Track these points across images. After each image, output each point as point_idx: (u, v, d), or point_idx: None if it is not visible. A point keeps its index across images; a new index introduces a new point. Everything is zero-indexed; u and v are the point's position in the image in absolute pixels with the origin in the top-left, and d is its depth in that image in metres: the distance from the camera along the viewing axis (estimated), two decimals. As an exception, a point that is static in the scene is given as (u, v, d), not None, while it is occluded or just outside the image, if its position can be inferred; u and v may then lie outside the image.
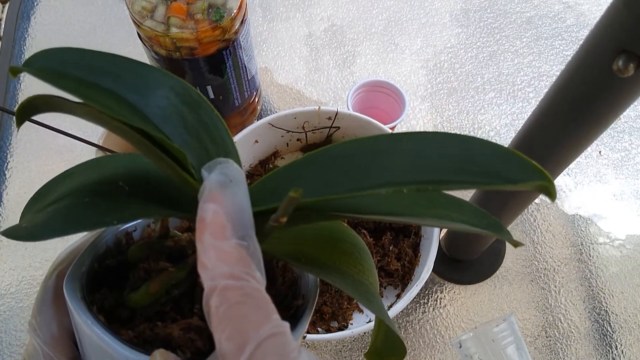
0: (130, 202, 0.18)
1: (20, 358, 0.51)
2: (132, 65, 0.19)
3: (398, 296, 0.51)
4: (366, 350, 0.23)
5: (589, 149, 0.36)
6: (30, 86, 0.66)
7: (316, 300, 0.23)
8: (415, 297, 0.46)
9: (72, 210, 0.17)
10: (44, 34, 0.69)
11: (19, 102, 0.66)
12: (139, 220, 0.23)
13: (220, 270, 0.15)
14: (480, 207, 0.19)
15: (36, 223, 0.17)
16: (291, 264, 0.23)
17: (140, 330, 0.18)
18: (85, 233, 0.22)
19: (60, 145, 0.61)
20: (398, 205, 0.19)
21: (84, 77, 0.17)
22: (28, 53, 0.68)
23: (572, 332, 0.54)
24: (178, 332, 0.19)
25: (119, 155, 0.21)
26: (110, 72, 0.18)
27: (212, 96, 0.52)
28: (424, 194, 0.19)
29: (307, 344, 0.52)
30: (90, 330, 0.18)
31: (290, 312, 0.22)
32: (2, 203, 0.58)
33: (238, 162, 0.20)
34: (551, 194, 0.15)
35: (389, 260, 0.50)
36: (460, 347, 0.49)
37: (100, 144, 0.48)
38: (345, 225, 0.24)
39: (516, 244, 0.19)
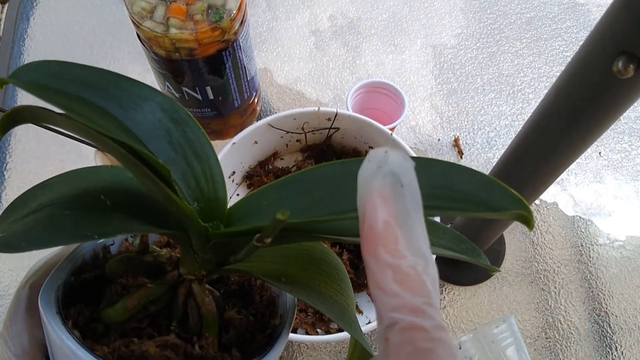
0: (112, 217, 0.18)
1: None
2: (119, 80, 0.19)
3: (398, 297, 0.50)
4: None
5: (588, 150, 0.36)
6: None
7: (293, 320, 0.23)
8: (414, 299, 0.46)
9: (52, 222, 0.17)
10: (43, 34, 0.69)
11: (17, 103, 0.66)
12: None
13: (400, 301, 0.13)
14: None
15: (14, 232, 0.16)
16: (270, 284, 0.23)
17: (115, 347, 0.18)
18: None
19: (59, 146, 0.61)
20: None
21: (70, 91, 0.17)
22: (27, 54, 0.68)
23: (572, 334, 0.53)
24: (154, 349, 0.19)
25: (100, 167, 0.21)
26: (97, 86, 0.18)
27: (211, 97, 0.51)
28: None
29: (307, 345, 0.52)
30: (64, 345, 0.18)
31: (267, 331, 0.22)
32: (0, 204, 0.58)
33: (222, 181, 0.20)
34: (529, 223, 0.15)
35: (389, 261, 0.50)
36: (460, 348, 0.48)
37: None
38: (326, 246, 0.24)
39: (493, 270, 0.20)
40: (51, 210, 0.17)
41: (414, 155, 0.50)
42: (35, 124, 0.18)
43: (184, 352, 0.19)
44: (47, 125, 0.18)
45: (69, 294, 0.20)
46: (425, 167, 0.17)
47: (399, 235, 0.14)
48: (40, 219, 0.17)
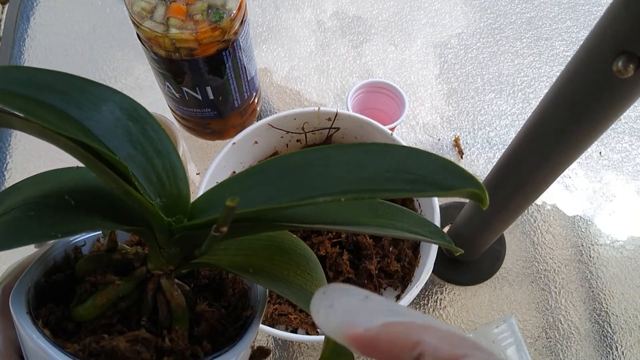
0: (76, 216, 0.18)
1: None
2: (78, 82, 0.20)
3: (398, 297, 0.51)
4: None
5: (589, 149, 0.36)
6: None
7: (264, 310, 0.23)
8: (415, 299, 0.46)
9: (18, 223, 0.17)
10: (44, 34, 0.69)
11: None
12: (88, 235, 0.24)
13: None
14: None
15: None
16: (239, 276, 0.23)
17: (85, 344, 0.19)
18: (34, 248, 0.22)
19: (59, 146, 0.61)
20: (342, 215, 0.20)
21: (29, 94, 0.18)
22: (27, 54, 0.68)
23: (573, 334, 0.53)
24: (124, 344, 0.19)
25: (66, 169, 0.21)
26: (56, 89, 0.19)
27: (211, 97, 0.51)
28: (369, 204, 0.20)
29: (307, 345, 0.52)
30: (35, 344, 0.18)
31: (239, 323, 0.23)
32: (1, 204, 0.58)
33: (184, 176, 0.21)
34: (482, 200, 0.16)
35: (389, 261, 0.50)
36: (460, 348, 0.48)
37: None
38: (295, 236, 0.24)
39: (456, 251, 0.20)
40: (16, 213, 0.18)
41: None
42: None
43: (154, 346, 0.20)
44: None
45: (40, 294, 0.21)
46: (382, 152, 0.18)
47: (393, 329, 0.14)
48: (6, 221, 0.17)
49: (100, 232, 0.24)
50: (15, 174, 0.60)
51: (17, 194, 0.19)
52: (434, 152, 0.18)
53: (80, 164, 0.18)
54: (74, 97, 0.19)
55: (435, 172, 0.17)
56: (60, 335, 0.19)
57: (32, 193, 0.19)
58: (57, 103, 0.18)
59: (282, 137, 0.55)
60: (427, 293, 0.55)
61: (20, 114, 0.16)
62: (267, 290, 0.23)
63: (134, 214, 0.19)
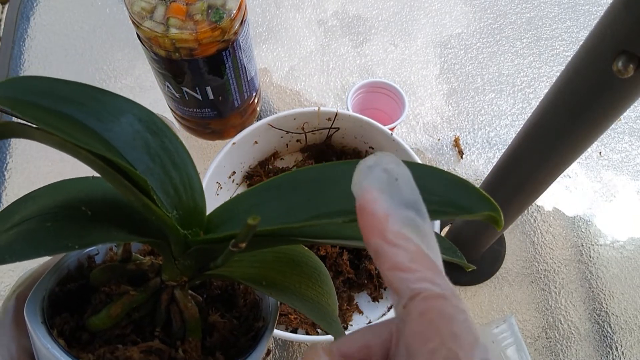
0: (93, 227, 0.18)
1: None
2: (96, 93, 0.19)
3: (398, 297, 0.50)
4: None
5: (589, 150, 0.36)
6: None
7: (276, 321, 0.23)
8: (415, 299, 0.46)
9: (34, 234, 0.17)
10: (44, 35, 0.69)
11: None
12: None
13: (420, 275, 0.14)
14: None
15: None
16: (252, 288, 0.23)
17: (100, 354, 0.19)
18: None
19: (59, 146, 0.61)
20: (357, 230, 0.20)
21: (48, 106, 0.18)
22: (27, 54, 0.68)
23: (573, 334, 0.53)
24: (138, 354, 0.19)
25: (81, 179, 0.21)
26: (74, 100, 0.19)
27: (211, 97, 0.51)
28: None
29: (307, 345, 0.52)
30: (50, 354, 0.18)
31: (251, 334, 0.23)
32: (1, 204, 0.58)
33: (200, 189, 0.21)
34: (497, 223, 0.16)
35: (389, 261, 0.50)
36: (460, 348, 0.48)
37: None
38: (307, 248, 0.24)
39: (468, 267, 0.21)
40: (33, 223, 0.17)
41: (416, 160, 0.50)
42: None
43: (168, 357, 0.20)
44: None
45: (54, 303, 0.21)
46: None
47: (399, 221, 0.15)
48: (22, 231, 0.17)
49: None
50: (15, 174, 0.60)
51: (32, 203, 0.19)
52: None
53: (96, 174, 0.18)
54: (93, 109, 0.19)
55: (451, 192, 0.16)
56: (74, 345, 0.19)
57: (47, 203, 0.19)
58: (76, 114, 0.18)
59: (282, 137, 0.55)
60: (427, 293, 0.55)
61: (40, 126, 0.16)
62: (279, 302, 0.23)
63: (150, 226, 0.19)
